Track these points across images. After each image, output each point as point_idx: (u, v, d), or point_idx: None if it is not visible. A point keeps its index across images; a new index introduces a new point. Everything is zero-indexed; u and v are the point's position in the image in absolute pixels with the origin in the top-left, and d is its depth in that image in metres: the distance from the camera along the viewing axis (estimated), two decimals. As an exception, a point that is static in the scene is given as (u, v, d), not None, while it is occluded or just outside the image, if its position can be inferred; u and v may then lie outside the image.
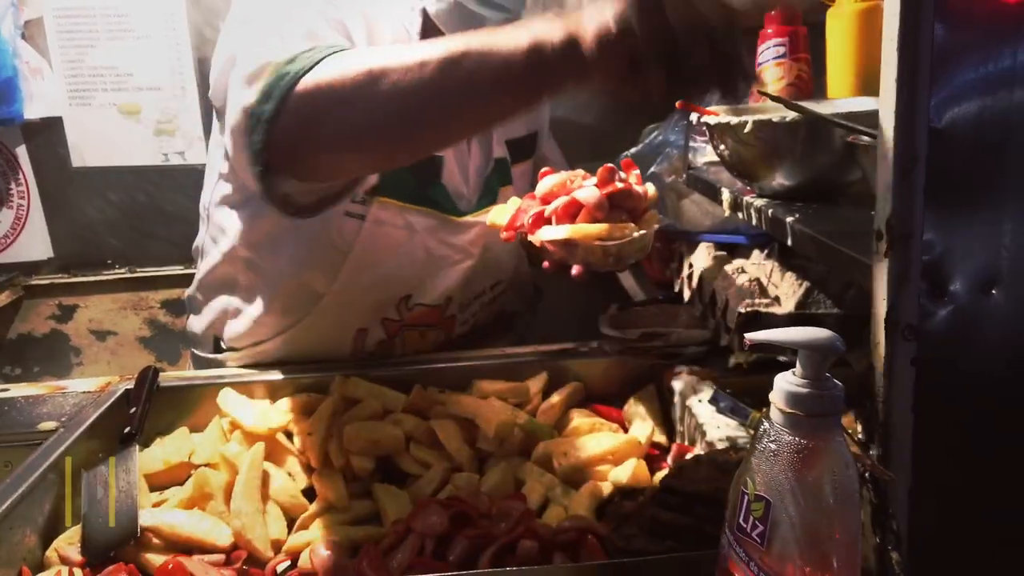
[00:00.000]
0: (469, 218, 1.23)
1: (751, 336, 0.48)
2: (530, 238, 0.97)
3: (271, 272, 1.17)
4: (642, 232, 0.94)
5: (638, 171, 1.06)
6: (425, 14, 1.14)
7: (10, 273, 1.82)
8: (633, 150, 1.34)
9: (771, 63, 1.08)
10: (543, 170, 1.06)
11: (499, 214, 1.04)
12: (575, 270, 0.97)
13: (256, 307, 1.20)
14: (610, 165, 0.99)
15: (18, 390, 1.11)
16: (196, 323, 1.30)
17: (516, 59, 0.79)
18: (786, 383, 0.48)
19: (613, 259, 0.96)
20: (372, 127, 0.87)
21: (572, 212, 0.94)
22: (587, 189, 0.94)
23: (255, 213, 1.15)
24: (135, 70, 1.76)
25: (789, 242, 0.76)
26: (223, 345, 1.26)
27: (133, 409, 1.01)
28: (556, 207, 0.94)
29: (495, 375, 1.13)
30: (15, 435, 1.00)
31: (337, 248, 1.14)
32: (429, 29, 1.14)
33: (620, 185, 0.95)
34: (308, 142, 0.90)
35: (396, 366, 1.16)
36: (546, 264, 1.00)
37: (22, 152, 1.77)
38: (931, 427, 0.58)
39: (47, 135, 1.78)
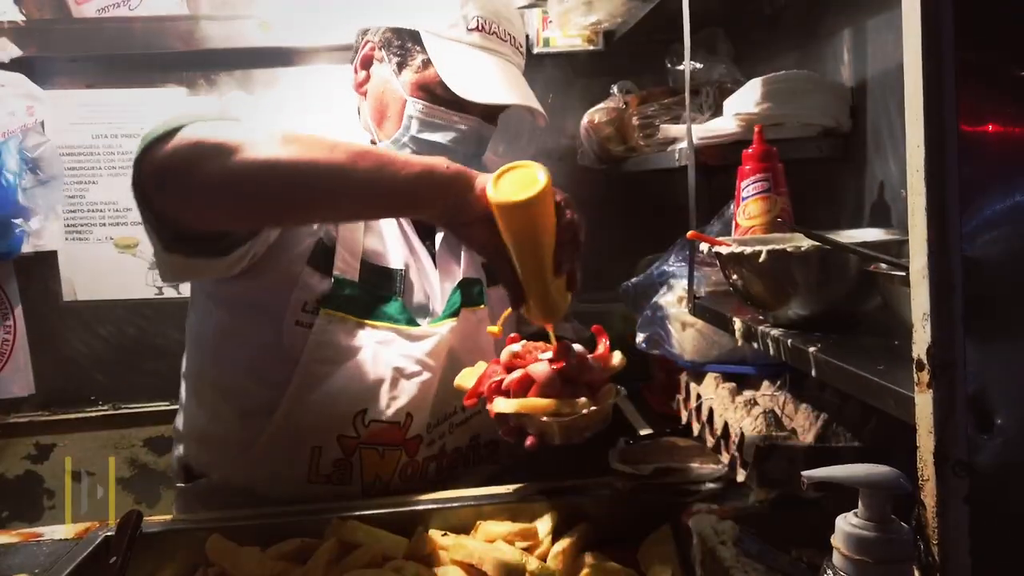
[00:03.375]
0: (426, 327, 1.22)
1: (808, 474, 0.45)
2: (487, 407, 1.00)
3: (224, 380, 1.19)
4: (592, 408, 0.97)
5: (607, 340, 1.08)
6: None
7: (-13, 411, 1.76)
8: (633, 280, 1.34)
9: (755, 197, 1.10)
10: (511, 335, 1.11)
11: (466, 377, 1.06)
12: (528, 441, 1.01)
13: (216, 423, 1.20)
14: (565, 340, 1.03)
15: (-12, 538, 1.04)
16: (175, 451, 1.31)
17: (409, 169, 0.92)
18: (848, 525, 0.44)
19: (566, 432, 1.00)
20: (231, 190, 0.93)
21: (526, 385, 0.98)
22: (540, 364, 0.99)
23: (204, 311, 1.21)
24: (134, 204, 1.77)
25: (813, 373, 0.74)
26: (194, 472, 1.25)
27: (113, 559, 0.93)
28: (511, 380, 0.98)
29: (501, 515, 1.07)
30: (-18, 590, 0.91)
31: (287, 357, 1.14)
32: None
33: (574, 360, 0.98)
34: (178, 178, 0.94)
35: (395, 506, 1.10)
36: (502, 431, 1.02)
37: (12, 286, 1.75)
38: (993, 571, 0.54)
39: (40, 269, 1.76)
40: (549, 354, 1.02)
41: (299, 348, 1.13)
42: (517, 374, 1.00)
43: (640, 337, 1.25)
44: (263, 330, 1.15)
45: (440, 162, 0.95)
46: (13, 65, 1.66)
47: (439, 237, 1.29)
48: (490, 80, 1.18)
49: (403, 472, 1.20)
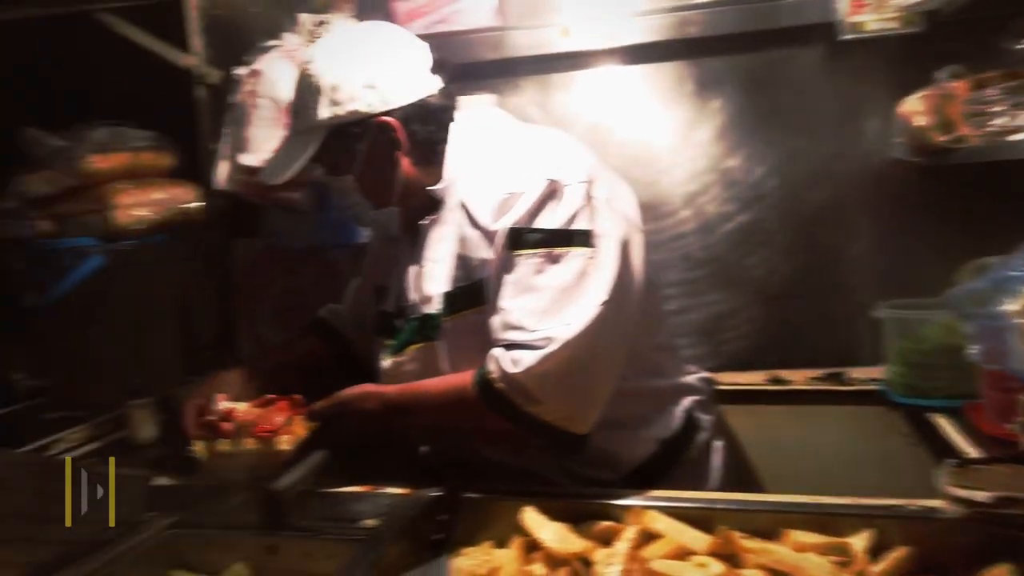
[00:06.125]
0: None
1: None
2: None
3: None
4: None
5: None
6: None
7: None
8: (966, 286, 1.20)
9: None
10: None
11: None
12: None
13: None
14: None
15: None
16: None
17: None
18: None
19: None
20: None
21: None
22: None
23: None
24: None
25: None
26: None
27: (444, 516, 1.04)
28: None
29: (807, 526, 1.02)
30: (343, 528, 1.06)
31: None
32: None
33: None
34: None
35: (695, 501, 1.10)
36: None
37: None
38: None
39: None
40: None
41: None
42: None
43: (975, 350, 1.12)
44: None
45: None
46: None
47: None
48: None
49: None
